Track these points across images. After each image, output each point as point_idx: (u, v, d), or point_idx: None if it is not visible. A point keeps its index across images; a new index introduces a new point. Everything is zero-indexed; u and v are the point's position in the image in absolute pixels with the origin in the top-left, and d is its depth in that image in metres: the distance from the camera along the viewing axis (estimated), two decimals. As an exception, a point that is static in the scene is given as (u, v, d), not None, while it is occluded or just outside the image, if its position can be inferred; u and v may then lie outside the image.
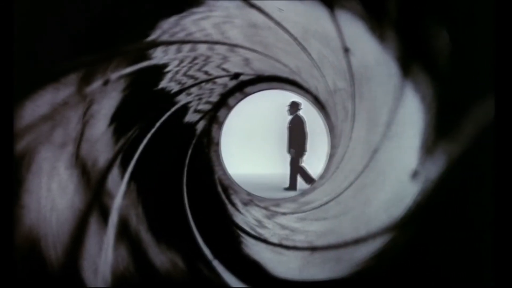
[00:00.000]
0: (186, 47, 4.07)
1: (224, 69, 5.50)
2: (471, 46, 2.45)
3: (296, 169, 11.13)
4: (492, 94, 2.25)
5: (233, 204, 6.31)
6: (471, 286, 2.49)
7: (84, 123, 3.14)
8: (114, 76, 3.27)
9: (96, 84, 3.10)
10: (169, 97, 4.60)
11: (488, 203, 2.36)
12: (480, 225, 2.49)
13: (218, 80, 5.76)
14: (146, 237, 3.85)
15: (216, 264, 3.93)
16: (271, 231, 5.09)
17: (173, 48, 3.84)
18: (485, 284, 2.38)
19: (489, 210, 2.34)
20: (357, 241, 3.68)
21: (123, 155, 3.79)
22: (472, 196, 2.55)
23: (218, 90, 6.10)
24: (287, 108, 10.92)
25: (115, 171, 3.72)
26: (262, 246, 4.56)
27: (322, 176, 7.41)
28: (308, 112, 8.35)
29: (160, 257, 3.76)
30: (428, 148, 2.85)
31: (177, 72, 4.37)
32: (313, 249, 4.26)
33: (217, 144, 7.46)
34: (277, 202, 7.22)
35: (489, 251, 2.38)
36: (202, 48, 4.35)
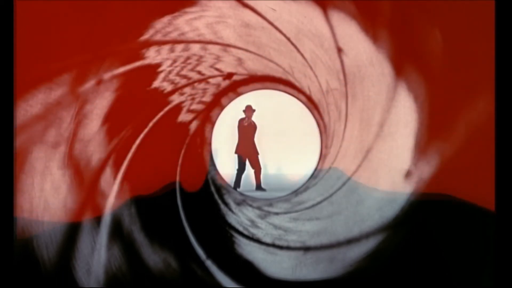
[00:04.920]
0: (179, 47, 4.06)
1: (217, 69, 5.49)
2: (464, 47, 2.46)
3: (259, 168, 11.36)
4: (485, 95, 2.26)
5: (226, 204, 6.30)
6: (464, 285, 2.50)
7: (77, 123, 3.13)
8: (107, 76, 3.26)
9: (89, 84, 3.09)
10: (162, 97, 4.59)
11: (482, 203, 2.37)
12: (474, 225, 2.50)
13: (211, 80, 5.75)
14: (139, 237, 3.84)
15: (209, 264, 3.93)
16: (264, 231, 5.09)
17: (166, 48, 3.83)
18: (480, 283, 2.39)
19: (483, 210, 2.35)
20: (350, 241, 3.69)
21: (116, 155, 3.78)
22: (466, 195, 2.56)
23: (211, 90, 6.09)
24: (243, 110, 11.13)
25: (108, 171, 3.71)
26: (255, 246, 4.56)
27: (315, 176, 7.41)
28: (301, 112, 8.35)
29: (153, 257, 3.75)
30: (421, 148, 2.86)
31: (170, 72, 4.36)
32: (306, 249, 4.27)
33: (210, 144, 7.45)
34: (270, 202, 7.22)
35: (484, 250, 2.39)
36: (195, 48, 4.35)
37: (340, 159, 5.26)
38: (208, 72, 5.37)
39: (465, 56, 2.46)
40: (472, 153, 2.51)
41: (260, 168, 11.46)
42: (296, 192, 7.47)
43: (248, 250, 4.51)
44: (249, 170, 11.50)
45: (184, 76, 4.85)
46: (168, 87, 4.59)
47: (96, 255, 3.32)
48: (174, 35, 3.70)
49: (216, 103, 6.76)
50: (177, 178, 5.28)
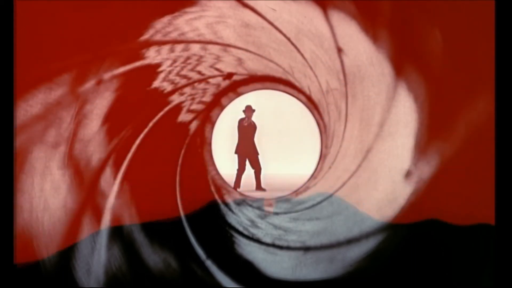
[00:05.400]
0: (179, 47, 4.06)
1: (217, 69, 5.49)
2: (464, 47, 2.46)
3: (259, 168, 11.34)
4: (485, 95, 2.26)
5: (226, 204, 6.30)
6: (464, 285, 2.50)
7: (77, 123, 3.13)
8: (107, 76, 3.26)
9: (89, 84, 3.09)
10: (162, 97, 4.59)
11: (482, 203, 2.37)
12: (474, 225, 2.50)
13: (211, 80, 5.75)
14: (139, 237, 3.84)
15: (209, 264, 3.93)
16: (264, 231, 5.09)
17: (166, 48, 3.83)
18: (480, 283, 2.39)
19: (483, 210, 2.34)
20: (350, 241, 3.69)
21: (116, 155, 3.78)
22: (466, 195, 2.56)
23: (211, 90, 6.09)
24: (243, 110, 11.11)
25: (108, 171, 3.71)
26: (255, 246, 4.56)
27: (315, 176, 7.41)
28: (301, 112, 8.35)
29: (153, 257, 3.75)
30: (421, 148, 2.86)
31: (170, 72, 4.36)
32: (306, 249, 4.27)
33: (210, 144, 7.44)
34: (270, 202, 7.22)
35: (484, 251, 2.39)
36: (195, 48, 4.34)
37: (340, 159, 5.26)
38: (208, 72, 5.37)
39: (465, 56, 2.47)
40: (472, 153, 2.51)
41: (260, 168, 11.44)
42: (296, 192, 7.47)
43: (248, 250, 4.51)
44: (249, 170, 11.48)
45: (184, 76, 4.85)
46: (168, 87, 4.59)
47: (96, 255, 3.32)
48: (174, 35, 3.70)
49: (216, 103, 6.75)
50: (177, 179, 5.28)
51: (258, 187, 11.39)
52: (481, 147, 2.40)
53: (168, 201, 4.88)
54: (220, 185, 7.12)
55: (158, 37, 3.53)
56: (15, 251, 2.25)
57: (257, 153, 11.45)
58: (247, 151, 11.36)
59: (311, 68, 4.81)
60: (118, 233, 3.67)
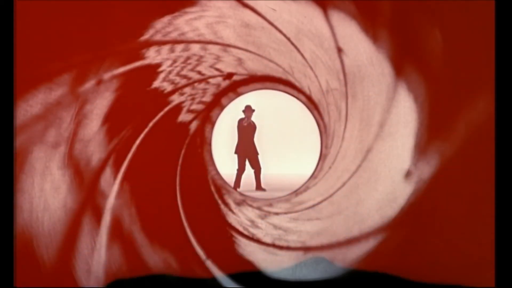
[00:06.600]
0: (179, 47, 4.06)
1: (217, 69, 5.49)
2: (464, 47, 2.46)
3: (259, 168, 11.35)
4: (485, 95, 2.26)
5: (226, 204, 6.29)
6: (465, 285, 2.51)
7: (77, 123, 3.13)
8: (107, 76, 3.26)
9: (89, 84, 3.09)
10: (162, 97, 4.59)
11: (482, 203, 2.37)
12: (474, 225, 2.50)
13: (211, 80, 5.75)
14: (139, 237, 3.84)
15: (209, 264, 3.93)
16: (264, 231, 5.08)
17: (166, 48, 3.83)
18: (480, 283, 2.39)
19: (483, 210, 2.35)
20: (350, 241, 3.69)
21: (116, 155, 3.78)
22: (465, 195, 2.56)
23: (211, 90, 6.09)
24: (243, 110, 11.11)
25: (108, 171, 3.71)
26: (255, 246, 4.55)
27: (315, 176, 7.41)
28: (301, 112, 8.35)
29: (153, 257, 3.75)
30: (421, 148, 2.86)
31: (170, 72, 4.36)
32: (306, 249, 4.26)
33: (210, 144, 7.43)
34: (270, 202, 7.21)
35: (484, 251, 2.39)
36: (195, 48, 4.34)
37: (340, 159, 5.26)
38: (208, 72, 5.37)
39: (465, 56, 2.47)
40: (472, 153, 2.51)
41: (260, 168, 11.44)
42: (296, 192, 7.46)
43: (248, 250, 4.50)
44: (249, 170, 11.48)
45: (184, 76, 4.85)
46: (168, 87, 4.59)
47: (96, 255, 3.32)
48: (174, 35, 3.71)
49: (216, 103, 6.75)
50: (177, 179, 5.28)
51: (258, 187, 11.39)
52: (481, 147, 2.40)
53: (168, 201, 4.88)
54: (220, 185, 7.11)
55: (158, 37, 3.53)
56: (15, 251, 2.25)
57: (257, 153, 11.46)
58: (247, 151, 11.36)
59: (311, 68, 4.81)
60: (118, 233, 3.67)
